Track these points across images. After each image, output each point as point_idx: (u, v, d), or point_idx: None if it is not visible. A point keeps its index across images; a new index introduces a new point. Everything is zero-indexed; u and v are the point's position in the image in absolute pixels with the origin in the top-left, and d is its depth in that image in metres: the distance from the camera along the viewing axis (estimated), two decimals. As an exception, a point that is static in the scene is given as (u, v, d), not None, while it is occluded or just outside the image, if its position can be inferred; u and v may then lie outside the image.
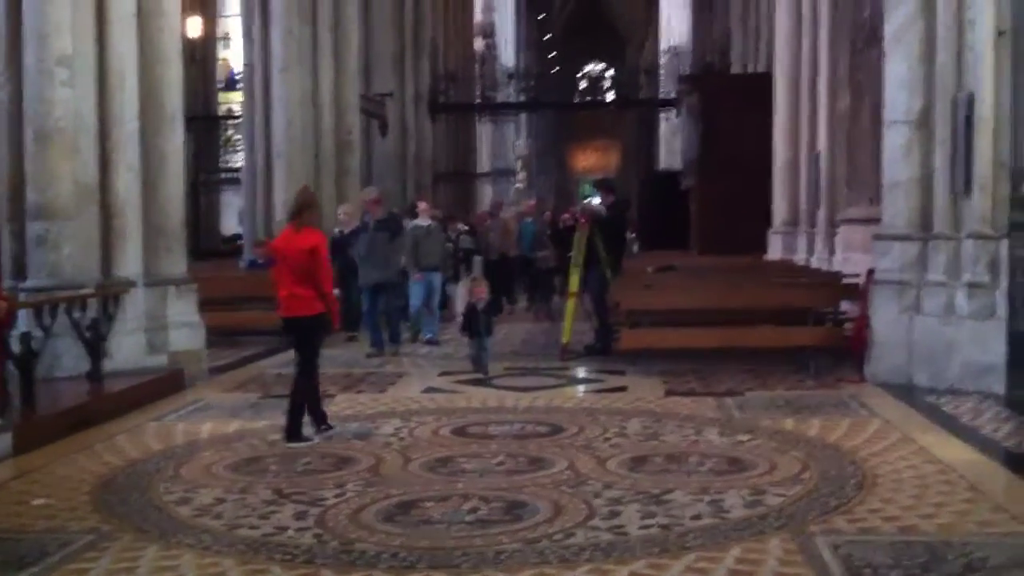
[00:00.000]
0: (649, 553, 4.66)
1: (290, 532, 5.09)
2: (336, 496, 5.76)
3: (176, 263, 10.14)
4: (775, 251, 17.17)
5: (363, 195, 13.26)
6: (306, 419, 7.38)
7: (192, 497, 5.80)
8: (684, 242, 21.46)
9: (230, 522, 5.28)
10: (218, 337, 11.41)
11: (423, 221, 12.98)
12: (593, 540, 4.89)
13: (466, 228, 18.31)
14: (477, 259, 15.43)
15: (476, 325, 10.18)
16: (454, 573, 4.41)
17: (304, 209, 7.39)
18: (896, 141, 8.97)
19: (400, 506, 5.54)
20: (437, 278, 13.07)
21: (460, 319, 11.32)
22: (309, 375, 7.39)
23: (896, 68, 8.97)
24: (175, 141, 10.08)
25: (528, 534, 5.00)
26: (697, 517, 5.24)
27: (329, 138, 16.32)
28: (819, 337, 10.27)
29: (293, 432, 7.23)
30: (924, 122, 8.84)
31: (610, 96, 52.19)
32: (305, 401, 7.34)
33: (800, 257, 16.02)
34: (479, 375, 10.00)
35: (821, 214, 15.53)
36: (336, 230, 13.17)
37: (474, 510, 5.43)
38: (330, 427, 7.42)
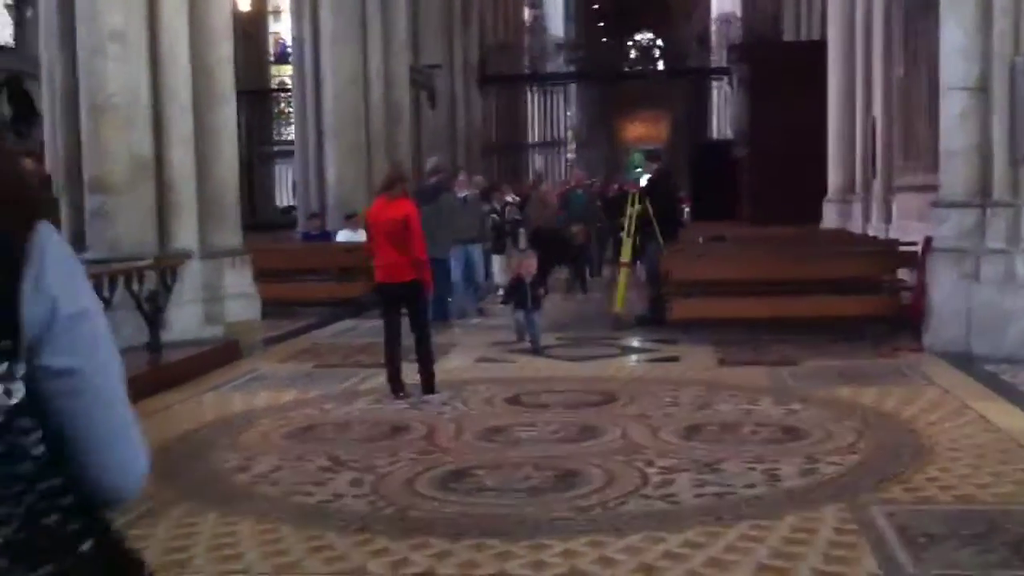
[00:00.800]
0: (702, 521, 4.65)
1: (346, 499, 5.15)
2: (391, 464, 5.82)
3: (231, 235, 10.26)
4: (830, 220, 16.96)
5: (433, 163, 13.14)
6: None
7: (249, 465, 5.88)
8: (736, 212, 21.26)
9: (287, 489, 5.36)
10: (273, 308, 11.54)
11: (460, 192, 12.75)
12: (646, 508, 4.89)
13: (514, 199, 18.18)
14: (523, 231, 15.26)
15: (523, 298, 9.90)
16: (508, 540, 4.43)
17: (396, 182, 7.92)
18: (953, 108, 8.80)
19: (454, 474, 5.58)
20: (476, 251, 12.74)
21: (501, 292, 11.17)
22: (424, 333, 7.81)
23: (952, 34, 8.79)
24: (228, 115, 10.18)
25: (581, 502, 5.01)
26: (751, 486, 5.22)
27: (379, 111, 16.36)
28: (875, 306, 10.16)
29: (430, 385, 7.74)
30: (982, 89, 8.65)
31: (660, 66, 51.77)
32: (432, 356, 7.86)
33: (856, 226, 15.80)
34: (528, 346, 9.81)
35: (877, 182, 15.29)
36: None
37: (527, 478, 5.46)
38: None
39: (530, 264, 10.23)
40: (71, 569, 1.31)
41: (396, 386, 7.69)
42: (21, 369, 1.28)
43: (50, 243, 1.33)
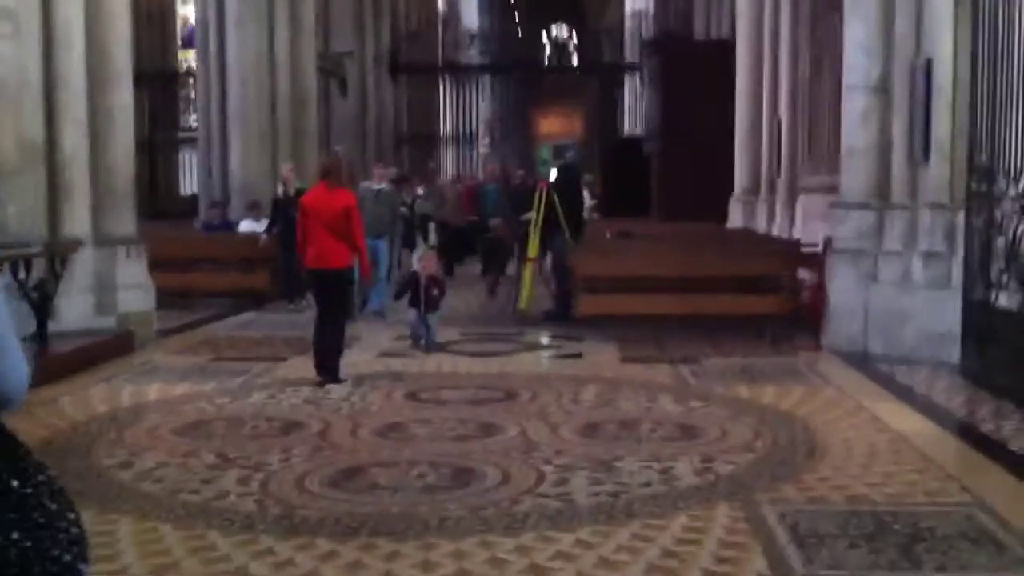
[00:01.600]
0: (595, 521, 4.60)
1: (232, 498, 4.99)
2: (281, 461, 5.66)
3: (125, 223, 9.92)
4: (736, 219, 17.13)
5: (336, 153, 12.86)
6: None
7: (134, 461, 5.67)
8: (646, 209, 21.38)
9: (171, 487, 5.17)
10: (172, 299, 11.24)
11: (374, 184, 12.30)
12: (540, 507, 4.82)
13: (424, 192, 18.03)
14: (433, 225, 15.08)
15: (416, 298, 9.45)
16: (396, 540, 4.32)
17: (333, 172, 8.21)
18: (855, 107, 8.92)
19: (346, 472, 5.45)
20: (383, 245, 11.83)
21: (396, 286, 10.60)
22: (338, 323, 8.06)
23: (855, 32, 8.90)
24: (124, 98, 9.84)
25: (475, 501, 4.93)
26: (646, 484, 5.19)
27: (285, 97, 16.02)
28: (777, 305, 10.26)
29: (334, 373, 7.86)
30: (883, 88, 8.78)
31: (574, 61, 51.89)
32: (339, 345, 8.01)
33: (761, 225, 15.98)
34: (420, 350, 9.32)
35: (781, 182, 15.48)
36: (279, 189, 12.90)
37: (421, 476, 5.35)
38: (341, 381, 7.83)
39: (430, 263, 9.91)
40: None
41: (317, 369, 7.94)
42: None
43: None
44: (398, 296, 9.99)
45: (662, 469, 5.46)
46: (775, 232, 15.01)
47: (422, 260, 10.02)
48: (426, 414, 6.86)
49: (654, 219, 19.47)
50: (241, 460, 5.65)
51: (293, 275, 12.13)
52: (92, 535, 4.27)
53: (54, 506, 1.83)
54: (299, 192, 12.03)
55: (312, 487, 5.16)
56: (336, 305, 8.09)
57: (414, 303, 9.49)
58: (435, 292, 9.53)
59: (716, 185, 17.36)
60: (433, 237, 14.64)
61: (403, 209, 14.16)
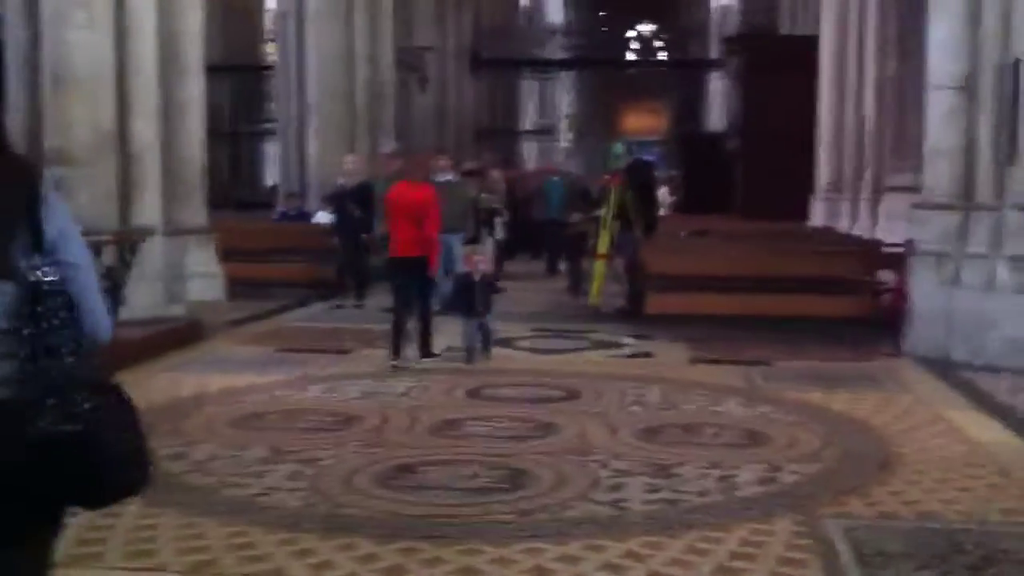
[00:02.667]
0: (648, 530, 4.41)
1: (279, 494, 4.90)
2: (334, 457, 5.57)
3: (196, 213, 9.98)
4: (818, 218, 16.72)
5: (386, 148, 12.75)
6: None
7: (187, 452, 5.63)
8: (728, 206, 21.01)
9: (219, 481, 5.11)
10: (245, 288, 11.27)
11: (442, 176, 11.67)
12: (591, 514, 4.65)
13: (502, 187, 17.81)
14: (498, 220, 14.74)
15: (471, 303, 8.53)
16: (439, 544, 4.18)
17: (411, 168, 9.21)
18: (939, 107, 8.55)
19: (398, 469, 5.33)
20: (456, 241, 11.24)
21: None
22: (426, 302, 8.53)
23: (939, 31, 8.53)
24: (195, 90, 9.88)
25: (525, 505, 4.77)
26: (704, 493, 4.99)
27: (363, 90, 16.04)
28: (855, 308, 9.94)
29: (427, 349, 8.45)
30: (968, 88, 8.40)
31: (660, 56, 51.37)
32: (430, 321, 8.52)
33: (843, 224, 15.56)
34: (471, 360, 8.47)
35: (865, 181, 15.05)
36: (339, 181, 12.81)
37: (473, 476, 5.22)
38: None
39: (483, 259, 9.05)
40: (71, 370, 2.06)
41: (396, 351, 8.28)
42: (47, 259, 2.08)
43: (49, 191, 2.17)
44: (451, 307, 9.09)
45: (723, 477, 5.25)
46: (857, 232, 14.58)
47: (475, 259, 8.96)
48: (485, 411, 6.73)
49: (735, 217, 19.09)
50: (293, 454, 5.58)
51: (352, 269, 12.11)
52: (134, 529, 4.25)
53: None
54: (362, 185, 12.03)
55: (360, 485, 5.05)
56: (421, 288, 8.50)
57: (468, 310, 8.55)
58: (491, 293, 8.86)
59: (798, 183, 16.98)
60: (500, 231, 14.36)
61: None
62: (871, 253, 10.87)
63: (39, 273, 2.07)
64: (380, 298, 11.94)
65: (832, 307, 9.93)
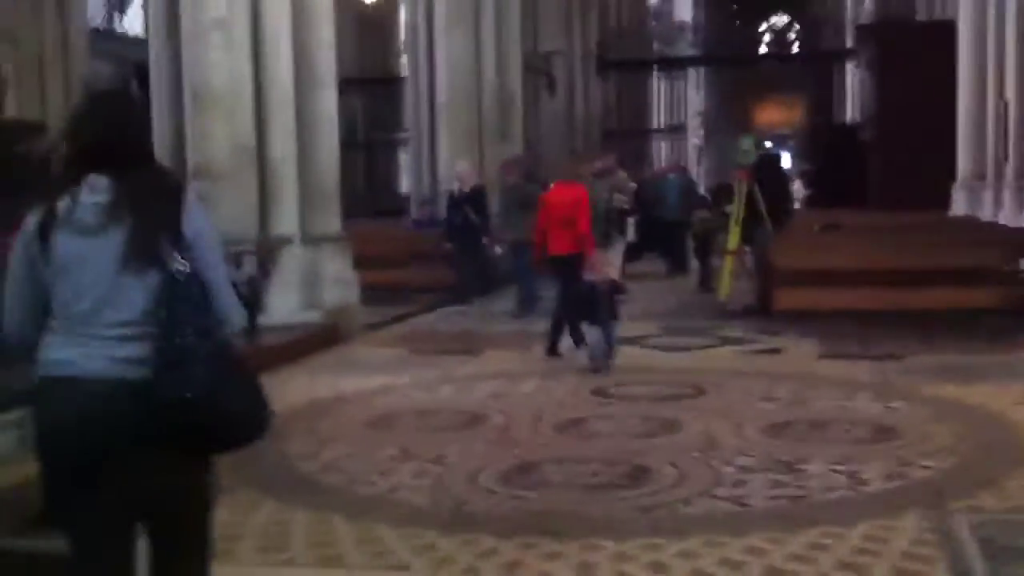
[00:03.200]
0: (770, 527, 4.40)
1: (405, 491, 5.05)
2: (460, 455, 5.70)
3: (331, 221, 10.30)
4: (959, 207, 16.21)
5: (504, 154, 12.82)
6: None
7: (319, 452, 5.84)
8: (863, 198, 20.52)
9: (350, 479, 5.29)
10: (379, 294, 11.57)
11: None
12: (712, 510, 4.67)
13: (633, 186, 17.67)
14: (631, 221, 14.59)
15: (595, 311, 8.15)
16: (559, 540, 4.26)
17: (572, 169, 9.80)
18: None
19: (521, 468, 5.43)
20: None
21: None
22: (568, 301, 8.62)
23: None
24: (328, 102, 10.20)
25: (645, 501, 4.82)
26: (830, 489, 4.94)
27: (491, 97, 16.24)
28: (996, 298, 9.63)
29: (551, 348, 8.70)
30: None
31: (795, 49, 50.37)
32: (567, 321, 8.64)
33: (986, 213, 15.05)
34: (596, 367, 8.08)
35: (1010, 168, 14.53)
36: (455, 187, 12.94)
37: (595, 474, 5.28)
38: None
39: (608, 267, 8.70)
40: (193, 347, 2.47)
41: (552, 345, 8.68)
42: (183, 255, 2.51)
43: (191, 199, 2.64)
44: (577, 314, 8.52)
45: (850, 473, 5.18)
46: (1002, 220, 14.09)
47: (602, 267, 8.47)
48: (610, 410, 6.78)
49: (871, 209, 18.63)
50: (421, 453, 5.73)
51: (465, 274, 12.24)
52: (267, 525, 4.45)
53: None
54: (476, 190, 12.21)
55: (484, 482, 5.17)
56: (564, 286, 8.67)
57: (595, 319, 8.17)
58: (617, 298, 8.46)
59: (937, 172, 16.50)
60: (631, 232, 14.24)
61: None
62: (1013, 241, 10.48)
63: (177, 265, 2.52)
64: (501, 302, 12.12)
65: (971, 298, 9.63)
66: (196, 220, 2.59)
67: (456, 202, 12.50)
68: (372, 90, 29.33)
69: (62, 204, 2.57)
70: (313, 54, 9.99)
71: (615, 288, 8.52)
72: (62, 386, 2.52)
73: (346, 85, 22.04)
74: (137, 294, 2.52)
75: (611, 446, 5.85)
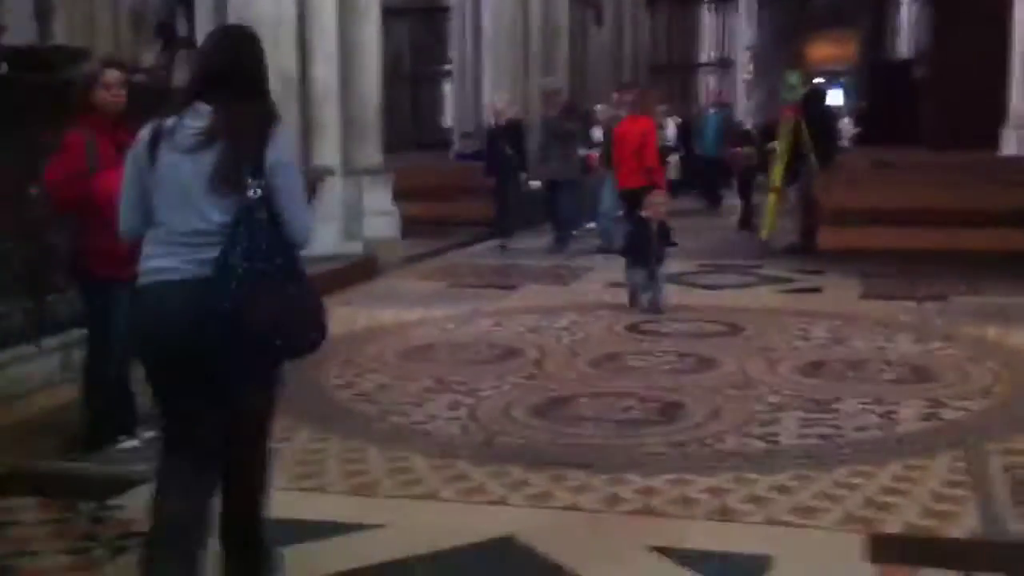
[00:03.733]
0: (799, 465, 4.39)
1: (439, 422, 5.10)
2: (493, 388, 5.74)
3: (372, 153, 10.30)
4: (1010, 147, 15.86)
5: (544, 86, 12.71)
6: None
7: (356, 382, 5.91)
8: (915, 137, 20.15)
9: (384, 409, 5.34)
10: (420, 227, 11.59)
11: (605, 114, 11.96)
12: (743, 447, 4.67)
13: (678, 121, 17.47)
14: (674, 159, 14.24)
15: (644, 253, 7.92)
16: (589, 473, 4.29)
17: (640, 102, 10.01)
18: None
19: (554, 401, 5.46)
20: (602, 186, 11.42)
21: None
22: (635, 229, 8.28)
23: None
24: (371, 32, 10.15)
25: (677, 437, 4.83)
26: (862, 429, 4.92)
27: (537, 30, 16.06)
28: (1044, 240, 9.43)
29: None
30: None
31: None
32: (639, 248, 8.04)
33: (1038, 154, 14.75)
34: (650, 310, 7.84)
35: (1064, 107, 14.19)
36: (492, 120, 12.79)
37: (628, 409, 5.30)
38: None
39: (658, 206, 8.12)
40: (248, 263, 2.81)
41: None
42: (261, 182, 2.85)
43: (279, 130, 2.98)
44: (625, 254, 8.23)
45: (884, 413, 5.16)
46: (1056, 162, 13.80)
47: (649, 205, 8.11)
48: (646, 346, 6.78)
49: (922, 148, 18.31)
50: (456, 385, 5.77)
51: (504, 210, 12.15)
52: (302, 452, 4.52)
53: None
54: (512, 123, 12.00)
55: (517, 415, 5.20)
56: (634, 215, 8.53)
57: (640, 260, 7.95)
58: (665, 243, 8.02)
59: (990, 111, 16.12)
60: (674, 171, 13.98)
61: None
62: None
63: (252, 191, 2.86)
64: (538, 238, 12.08)
65: (1019, 240, 9.46)
66: (278, 152, 2.92)
67: (493, 136, 12.42)
68: (417, 22, 29.07)
69: (169, 123, 2.96)
70: (357, -17, 9.92)
71: (665, 233, 8.04)
72: (156, 288, 2.91)
73: (392, 15, 21.93)
74: (216, 212, 2.87)
75: (645, 382, 5.86)
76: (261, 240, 2.83)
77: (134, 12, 13.31)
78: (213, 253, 2.82)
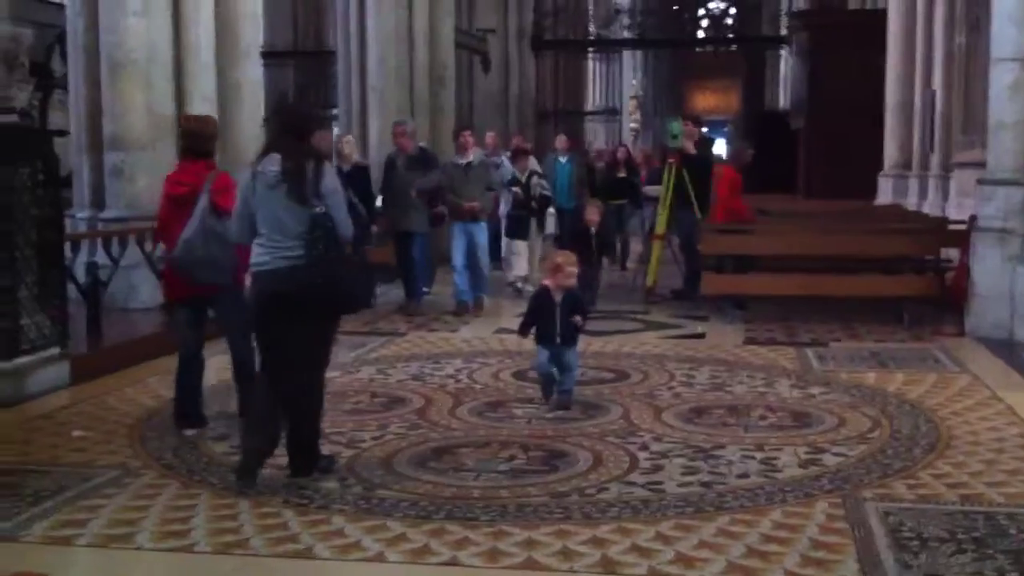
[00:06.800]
0: (681, 513, 4.36)
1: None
2: (375, 439, 5.59)
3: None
4: (885, 196, 16.35)
5: (396, 127, 10.90)
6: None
7: (230, 433, 5.68)
8: (792, 185, 20.68)
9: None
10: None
11: (463, 158, 10.43)
12: (626, 496, 4.61)
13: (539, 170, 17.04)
14: (551, 212, 12.90)
15: (549, 328, 6.32)
16: (469, 526, 4.18)
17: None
18: (1003, 80, 8.30)
19: (436, 451, 5.34)
20: (479, 230, 10.33)
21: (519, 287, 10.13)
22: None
23: (1004, 2, 8.27)
24: (252, 74, 9.97)
25: (559, 487, 4.75)
26: (744, 476, 4.91)
27: (423, 74, 16.02)
28: (917, 286, 9.67)
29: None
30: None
31: (730, 35, 50.66)
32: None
33: (911, 202, 15.20)
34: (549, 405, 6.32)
35: (934, 158, 14.68)
36: (335, 165, 12.14)
37: (511, 459, 5.20)
38: None
39: (566, 272, 6.36)
40: (325, 254, 4.63)
41: None
42: (321, 204, 4.63)
43: (328, 167, 4.78)
44: (525, 327, 6.52)
45: (764, 459, 5.17)
46: (927, 209, 14.23)
47: (563, 268, 6.35)
48: (531, 393, 6.68)
49: (800, 196, 18.78)
50: (335, 436, 5.59)
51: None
52: (169, 510, 4.30)
53: None
54: (357, 167, 10.96)
55: (398, 467, 5.06)
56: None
57: (544, 337, 6.34)
58: (576, 318, 6.36)
59: (865, 161, 16.63)
60: (551, 225, 12.99)
61: (515, 190, 11.72)
62: (936, 230, 10.58)
63: (317, 208, 4.62)
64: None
65: (894, 287, 9.70)
66: (327, 182, 4.66)
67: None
68: (304, 64, 28.84)
69: (258, 167, 4.69)
70: (236, 23, 9.74)
71: (575, 302, 6.44)
72: (263, 273, 4.68)
73: (276, 57, 21.66)
74: (295, 223, 4.61)
75: (529, 430, 5.78)
76: (328, 238, 4.60)
77: (7, 52, 12.88)
78: (297, 248, 4.58)
